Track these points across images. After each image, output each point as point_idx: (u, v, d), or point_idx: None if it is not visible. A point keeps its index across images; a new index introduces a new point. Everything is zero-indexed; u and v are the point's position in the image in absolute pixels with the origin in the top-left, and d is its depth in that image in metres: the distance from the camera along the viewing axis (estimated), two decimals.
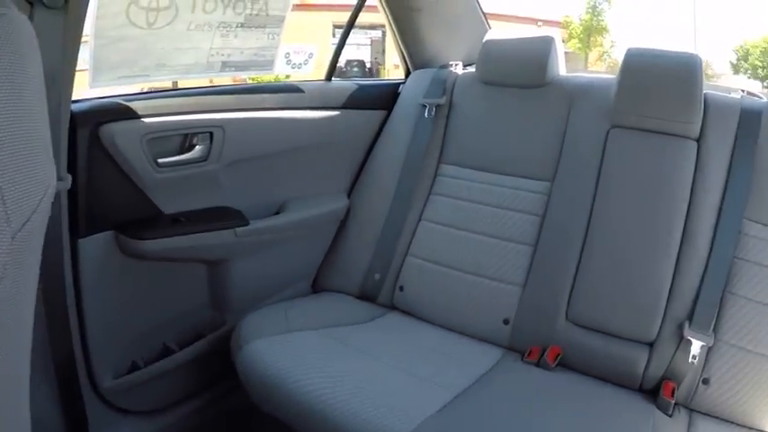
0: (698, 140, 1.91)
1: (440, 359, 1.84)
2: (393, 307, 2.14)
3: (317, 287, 2.24)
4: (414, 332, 1.99)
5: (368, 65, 14.12)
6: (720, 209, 1.84)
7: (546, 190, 2.03)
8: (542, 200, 2.03)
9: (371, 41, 14.05)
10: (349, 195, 2.27)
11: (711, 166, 1.88)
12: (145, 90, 1.92)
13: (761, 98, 2.04)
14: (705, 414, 1.75)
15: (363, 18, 2.28)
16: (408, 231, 2.16)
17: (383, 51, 13.57)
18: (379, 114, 2.31)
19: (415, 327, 2.04)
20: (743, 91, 2.08)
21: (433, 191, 2.17)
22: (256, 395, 1.72)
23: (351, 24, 2.31)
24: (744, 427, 1.71)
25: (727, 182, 1.85)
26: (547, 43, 2.13)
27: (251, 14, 1.89)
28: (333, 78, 2.29)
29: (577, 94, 2.08)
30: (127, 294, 1.82)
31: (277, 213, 2.07)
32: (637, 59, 2.00)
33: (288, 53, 2.16)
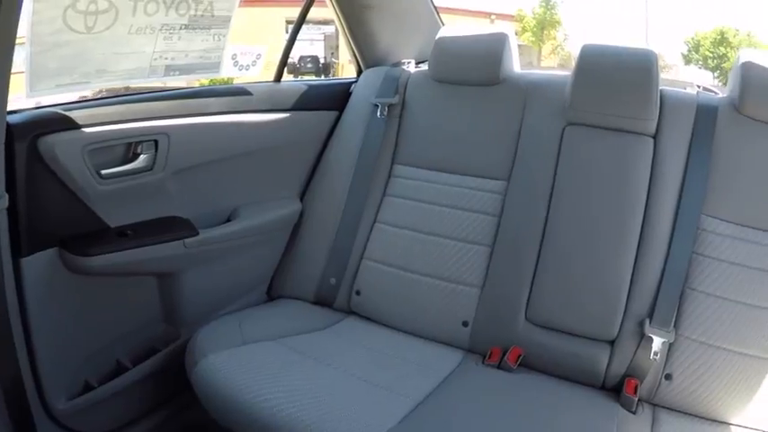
0: (654, 137, 1.92)
1: (399, 365, 1.82)
2: (350, 312, 2.12)
3: (272, 294, 2.20)
4: (371, 337, 1.97)
5: (322, 60, 14.05)
6: (678, 205, 1.85)
7: (502, 189, 2.02)
8: (498, 199, 2.01)
9: (325, 37, 13.98)
10: (302, 199, 2.23)
11: (668, 163, 1.89)
12: (85, 98, 1.83)
13: (716, 93, 2.05)
14: (668, 409, 1.77)
15: (316, 13, 2.25)
16: (363, 234, 2.13)
17: (337, 47, 13.51)
18: (331, 115, 2.28)
19: (373, 331, 2.01)
20: (698, 86, 2.09)
21: (388, 192, 2.15)
22: (214, 411, 1.67)
23: (300, 23, 2.27)
24: (707, 419, 1.74)
25: (684, 178, 1.87)
26: (501, 40, 2.11)
27: (195, 15, 1.83)
28: (282, 79, 2.24)
29: (532, 91, 2.07)
30: (75, 312, 1.76)
31: (228, 221, 2.02)
32: (592, 56, 2.00)
33: (235, 54, 2.10)
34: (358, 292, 2.09)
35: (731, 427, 1.73)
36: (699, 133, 1.89)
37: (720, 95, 2.02)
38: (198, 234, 1.86)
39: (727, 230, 1.82)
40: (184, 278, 1.92)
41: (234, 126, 1.97)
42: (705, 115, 1.91)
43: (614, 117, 1.93)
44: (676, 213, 1.85)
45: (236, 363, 1.68)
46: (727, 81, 2.11)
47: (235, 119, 1.97)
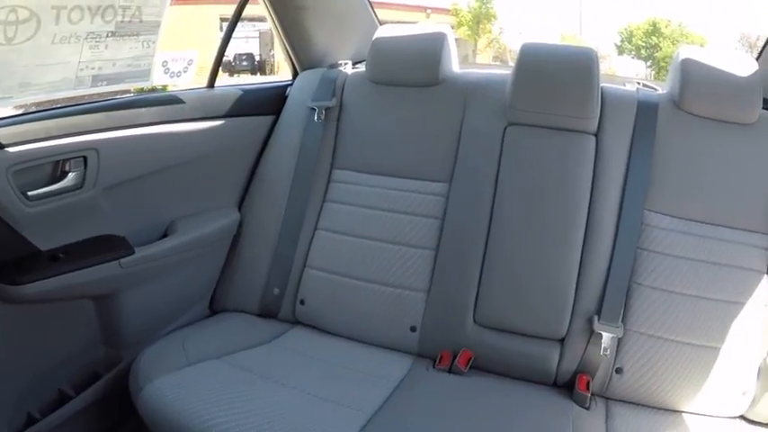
0: (596, 135, 1.95)
1: (349, 376, 1.81)
2: (296, 321, 2.09)
3: (214, 308, 2.15)
4: (319, 348, 1.95)
5: (257, 58, 13.87)
6: (622, 201, 1.88)
7: (444, 192, 2.02)
8: (441, 202, 2.01)
9: (260, 34, 13.80)
10: (240, 208, 2.18)
11: (611, 160, 1.92)
12: (7, 115, 1.74)
13: (656, 89, 2.08)
14: (621, 401, 1.82)
15: (251, 10, 2.20)
16: (305, 242, 2.10)
17: (272, 44, 13.35)
18: (267, 120, 2.23)
19: (320, 342, 1.99)
20: (638, 83, 2.12)
21: (328, 198, 2.12)
22: None
23: (233, 26, 2.21)
24: (659, 409, 1.79)
25: (626, 174, 1.90)
26: (439, 40, 2.10)
27: (122, 22, 1.75)
28: (218, 79, 2.19)
29: (472, 91, 2.07)
30: (11, 342, 1.69)
31: (165, 235, 1.95)
32: (532, 55, 2.01)
33: (166, 61, 2.04)
34: (302, 302, 2.06)
35: (683, 415, 1.78)
36: (640, 130, 1.93)
37: (660, 91, 2.05)
38: (134, 252, 1.79)
39: (670, 225, 1.86)
40: (123, 299, 1.85)
41: (167, 137, 1.90)
42: (646, 112, 1.95)
43: (556, 116, 1.95)
44: (620, 210, 1.88)
45: (182, 386, 1.63)
46: (658, 70, 2.15)
47: (167, 129, 1.91)
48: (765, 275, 1.82)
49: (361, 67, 2.25)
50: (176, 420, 1.56)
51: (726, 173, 1.88)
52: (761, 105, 1.90)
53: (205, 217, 2.05)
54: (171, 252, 1.91)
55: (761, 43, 2.02)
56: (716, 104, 1.91)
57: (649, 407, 1.81)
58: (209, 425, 1.52)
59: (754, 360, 1.78)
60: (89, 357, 1.87)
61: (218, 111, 2.07)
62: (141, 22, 1.80)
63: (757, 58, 1.99)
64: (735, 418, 1.80)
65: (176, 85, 2.19)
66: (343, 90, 2.18)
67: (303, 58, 2.33)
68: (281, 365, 1.80)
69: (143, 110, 1.87)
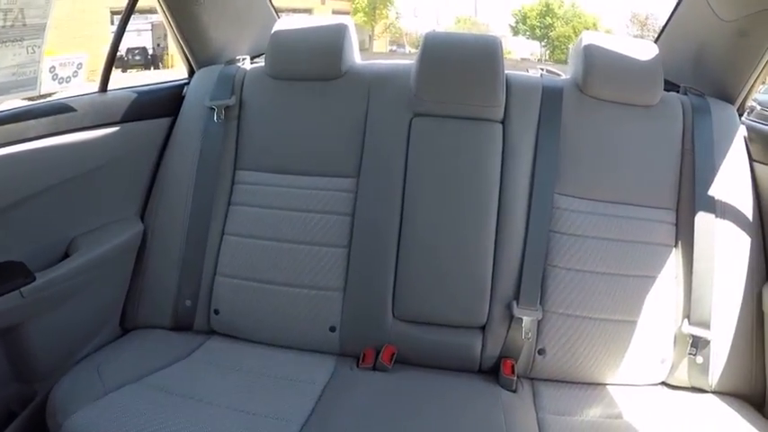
0: (503, 122, 1.98)
1: (273, 384, 1.78)
2: (211, 332, 2.04)
3: (126, 326, 2.06)
4: (238, 358, 1.90)
5: (150, 51, 13.50)
6: (532, 187, 1.92)
7: (352, 187, 2.01)
8: (350, 198, 2.00)
9: (152, 26, 13.44)
10: (143, 218, 2.10)
11: (519, 147, 1.96)
12: None
13: (560, 75, 2.12)
14: (546, 380, 1.87)
15: (142, 2, 2.09)
16: (213, 249, 2.04)
17: (165, 36, 13.02)
18: (164, 123, 2.16)
19: (239, 352, 1.95)
20: (542, 69, 2.15)
21: (233, 201, 2.08)
22: None
23: (125, 21, 2.10)
24: (584, 384, 1.85)
25: (535, 160, 1.94)
26: (340, 31, 2.09)
27: (4, 27, 1.67)
28: (108, 88, 2.07)
29: (376, 83, 2.07)
30: None
31: (67, 255, 1.83)
32: (435, 44, 2.02)
33: (53, 67, 1.91)
34: (216, 312, 2.02)
35: (607, 387, 1.85)
36: (546, 115, 1.98)
37: (564, 77, 2.10)
38: (35, 279, 1.67)
39: (580, 206, 1.92)
40: (28, 329, 1.72)
41: (59, 149, 1.80)
42: (551, 97, 2.00)
43: (461, 105, 1.97)
44: (530, 195, 1.93)
45: (103, 418, 1.54)
46: (553, 49, 2.20)
47: (59, 141, 1.80)
48: (674, 249, 1.90)
49: (261, 62, 2.21)
50: None
51: (631, 153, 1.95)
52: (662, 87, 1.99)
53: (107, 231, 1.95)
54: (75, 273, 1.79)
55: (650, 21, 2.10)
56: (619, 88, 1.98)
57: (574, 383, 1.87)
58: None
59: (670, 329, 1.87)
60: (1, 396, 1.75)
61: (113, 116, 1.98)
62: (25, 25, 1.72)
63: (656, 41, 2.06)
64: (656, 384, 1.88)
65: (67, 91, 2.05)
66: (242, 87, 2.14)
67: (199, 55, 2.27)
68: (202, 382, 1.75)
69: (31, 122, 1.76)
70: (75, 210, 1.88)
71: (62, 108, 1.85)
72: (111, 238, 1.93)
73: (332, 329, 1.95)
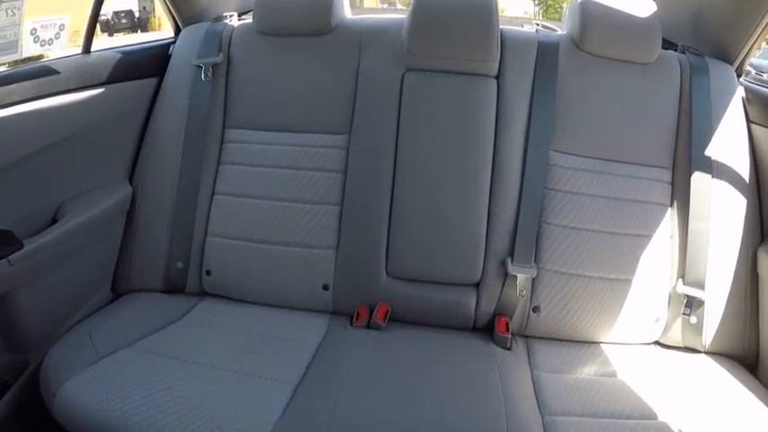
0: (497, 78, 1.96)
1: (267, 345, 1.77)
2: (204, 293, 2.03)
3: (118, 290, 2.05)
4: (231, 319, 1.90)
5: (137, 14, 13.29)
6: (527, 143, 1.91)
7: (344, 144, 1.99)
8: (341, 155, 1.99)
9: None
10: (131, 181, 2.07)
11: (514, 102, 1.94)
12: None
13: (555, 30, 2.09)
14: (540, 338, 1.88)
15: None
16: (203, 209, 2.03)
17: None
18: (150, 83, 2.12)
19: (232, 312, 1.95)
20: (537, 24, 2.12)
21: (222, 160, 2.06)
22: None
23: None
24: (578, 342, 1.87)
25: (530, 116, 1.93)
26: None
27: None
28: (93, 48, 2.02)
29: (367, 38, 2.04)
30: None
31: (55, 221, 1.80)
32: None
33: (34, 29, 1.86)
34: (208, 272, 2.01)
35: (601, 345, 1.86)
36: (541, 71, 1.95)
37: (559, 32, 2.07)
38: (23, 246, 1.63)
39: (575, 164, 1.91)
40: (18, 298, 1.69)
41: (44, 113, 1.75)
42: (547, 53, 1.97)
43: (455, 60, 1.95)
44: (525, 151, 1.91)
45: (97, 385, 1.53)
46: (546, 8, 2.17)
47: (43, 104, 1.76)
48: (669, 208, 1.90)
49: (248, 19, 2.18)
50: (97, 422, 1.46)
51: (628, 111, 1.93)
52: (660, 45, 1.97)
53: (95, 195, 1.92)
54: (63, 238, 1.76)
55: None
56: (616, 44, 1.96)
57: (569, 341, 1.89)
58: (132, 423, 1.44)
59: (664, 289, 1.87)
60: None
61: (97, 78, 1.94)
62: None
63: None
64: (649, 344, 1.89)
65: (50, 54, 2.00)
66: (230, 44, 2.11)
67: (185, 12, 2.22)
68: (196, 344, 1.74)
69: (13, 86, 1.70)
70: (61, 174, 1.84)
71: (45, 71, 1.80)
72: (99, 201, 1.90)
73: (325, 288, 1.95)
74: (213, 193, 2.03)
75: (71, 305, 1.88)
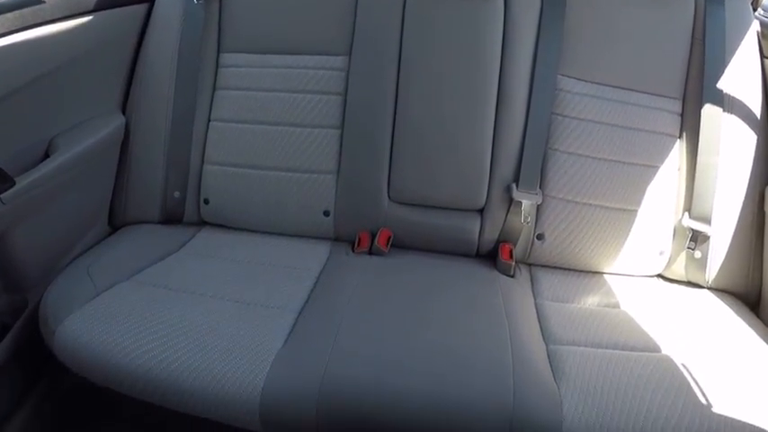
0: (504, 0, 1.90)
1: (268, 272, 1.78)
2: (202, 223, 2.03)
3: (115, 223, 2.03)
4: (231, 247, 1.90)
5: None
6: (534, 67, 1.87)
7: (344, 66, 1.95)
8: (341, 77, 1.95)
9: None
10: (124, 111, 2.02)
11: (521, 25, 1.89)
12: None
13: None
14: (544, 266, 1.90)
15: None
16: (199, 137, 2.00)
17: None
18: (140, 9, 2.04)
19: (231, 240, 1.95)
20: None
21: (218, 85, 2.01)
22: (91, 377, 1.51)
23: None
24: (581, 272, 1.88)
25: (537, 39, 1.88)
26: None
27: None
28: None
29: None
30: None
31: (47, 156, 1.75)
32: None
33: None
34: (206, 201, 2.00)
35: (604, 275, 1.88)
36: None
37: None
38: (14, 184, 1.58)
39: (584, 89, 1.87)
40: (13, 237, 1.66)
41: (29, 44, 1.67)
42: None
43: None
44: (532, 76, 1.87)
45: (97, 320, 1.52)
46: None
47: (28, 36, 1.66)
48: (677, 140, 1.86)
49: None
50: (99, 358, 1.46)
51: (638, 38, 1.87)
52: None
53: (88, 127, 1.86)
54: (57, 173, 1.71)
55: None
56: None
57: (572, 270, 1.90)
58: (134, 356, 1.44)
59: (669, 221, 1.86)
60: None
61: (85, 5, 1.85)
62: None
63: None
64: (652, 276, 1.90)
65: None
66: None
67: None
68: (196, 274, 1.74)
69: None
70: (51, 108, 1.77)
71: (28, 1, 1.70)
72: (91, 134, 1.85)
73: (326, 214, 1.94)
74: (209, 120, 1.99)
75: (68, 241, 1.86)
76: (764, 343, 1.60)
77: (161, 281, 1.69)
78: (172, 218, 2.01)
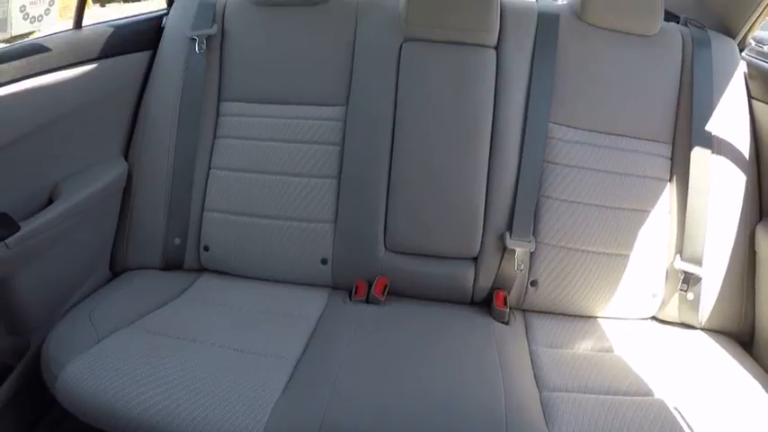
0: (496, 48, 1.95)
1: (266, 320, 1.79)
2: (202, 269, 2.04)
3: (116, 269, 2.05)
4: (230, 294, 1.92)
5: None
6: (526, 115, 1.90)
7: (341, 116, 1.99)
8: (338, 127, 1.98)
9: None
10: (126, 158, 2.05)
11: (513, 73, 1.93)
12: None
13: (555, 1, 2.06)
14: (538, 312, 1.91)
15: None
16: (200, 184, 2.03)
17: None
18: (144, 57, 2.09)
19: (231, 287, 1.96)
20: None
21: (218, 134, 2.05)
22: (91, 421, 1.51)
23: None
24: (575, 316, 1.89)
25: (529, 87, 1.92)
26: None
27: None
28: (83, 24, 1.96)
29: (364, 7, 2.03)
30: None
31: (51, 202, 1.78)
32: None
33: (24, 6, 1.80)
34: (206, 248, 2.02)
35: (598, 319, 1.89)
36: (541, 42, 1.94)
37: (560, 2, 2.04)
38: (19, 229, 1.61)
39: (574, 136, 1.91)
40: (16, 281, 1.68)
41: (35, 92, 1.72)
42: (546, 23, 1.96)
43: (454, 30, 1.94)
44: (524, 124, 1.91)
45: (99, 366, 1.54)
46: None
47: (35, 83, 1.72)
48: (668, 183, 1.90)
49: None
50: (100, 404, 1.47)
51: (628, 84, 1.92)
52: (662, 16, 1.94)
53: (90, 173, 1.90)
54: (60, 219, 1.74)
55: None
56: (618, 16, 1.94)
57: (566, 315, 1.91)
58: (136, 403, 1.45)
59: (662, 264, 1.89)
60: None
61: (90, 53, 1.90)
62: None
63: None
64: (646, 319, 1.92)
65: (40, 30, 1.94)
66: (224, 15, 2.08)
67: None
68: (195, 321, 1.75)
69: (3, 66, 1.66)
70: (55, 154, 1.82)
71: (36, 49, 1.76)
72: (95, 180, 1.89)
73: (323, 262, 1.95)
74: (209, 168, 2.03)
75: (70, 285, 1.88)
76: (757, 383, 1.61)
77: (161, 328, 1.70)
78: (172, 264, 2.02)
